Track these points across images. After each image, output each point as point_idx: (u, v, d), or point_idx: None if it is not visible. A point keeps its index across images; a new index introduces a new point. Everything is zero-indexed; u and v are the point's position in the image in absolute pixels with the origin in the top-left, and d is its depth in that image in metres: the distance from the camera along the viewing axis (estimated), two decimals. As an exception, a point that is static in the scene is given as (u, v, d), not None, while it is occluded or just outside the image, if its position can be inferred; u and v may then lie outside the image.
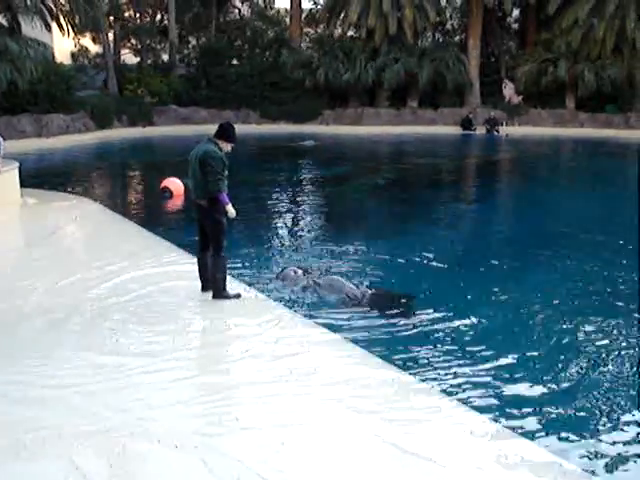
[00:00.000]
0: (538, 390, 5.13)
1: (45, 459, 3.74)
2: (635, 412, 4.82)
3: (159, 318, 6.13)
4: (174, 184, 13.87)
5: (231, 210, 6.56)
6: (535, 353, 5.87)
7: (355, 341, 5.85)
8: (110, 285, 7.16)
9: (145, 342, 5.53)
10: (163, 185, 13.96)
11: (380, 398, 4.59)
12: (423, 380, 5.12)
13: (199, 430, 4.05)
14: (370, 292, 7.26)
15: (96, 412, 4.27)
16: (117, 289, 7.04)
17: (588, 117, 31.81)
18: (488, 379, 5.27)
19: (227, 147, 6.58)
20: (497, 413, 4.66)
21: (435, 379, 5.23)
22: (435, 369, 5.45)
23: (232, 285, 6.95)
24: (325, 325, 6.22)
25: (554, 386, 5.20)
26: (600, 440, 4.43)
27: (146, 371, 4.95)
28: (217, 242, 6.56)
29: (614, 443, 4.38)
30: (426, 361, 5.61)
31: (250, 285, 7.47)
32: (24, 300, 6.68)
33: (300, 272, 7.95)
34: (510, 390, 5.12)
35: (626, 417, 4.75)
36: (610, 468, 4.13)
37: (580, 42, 30.96)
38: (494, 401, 4.91)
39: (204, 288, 6.81)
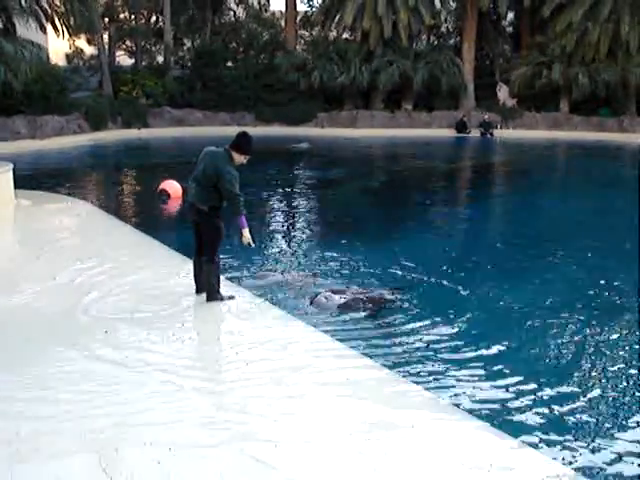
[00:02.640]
0: (531, 391, 5.13)
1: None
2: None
3: (153, 320, 6.13)
4: (172, 186, 13.77)
5: (247, 235, 6.43)
6: (529, 355, 5.89)
7: (347, 342, 5.84)
8: (103, 287, 7.14)
9: (139, 345, 5.53)
10: (161, 188, 13.86)
11: (375, 400, 4.61)
12: (415, 382, 5.11)
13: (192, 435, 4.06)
14: (362, 295, 7.24)
15: (91, 414, 4.29)
16: (110, 292, 7.03)
17: (582, 120, 31.89)
18: (482, 382, 5.27)
19: (241, 159, 6.44)
20: (492, 416, 4.67)
21: (425, 380, 5.21)
22: (426, 370, 5.45)
23: (226, 287, 6.97)
24: (318, 327, 6.23)
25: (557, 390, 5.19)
26: (599, 444, 4.41)
27: (140, 374, 4.95)
28: (212, 247, 6.52)
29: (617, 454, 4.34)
30: (421, 364, 5.59)
31: (244, 287, 7.47)
32: (18, 300, 6.66)
33: (296, 276, 7.98)
34: (500, 391, 5.12)
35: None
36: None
37: (574, 45, 31.04)
38: (487, 404, 4.90)
39: (198, 290, 6.81)
